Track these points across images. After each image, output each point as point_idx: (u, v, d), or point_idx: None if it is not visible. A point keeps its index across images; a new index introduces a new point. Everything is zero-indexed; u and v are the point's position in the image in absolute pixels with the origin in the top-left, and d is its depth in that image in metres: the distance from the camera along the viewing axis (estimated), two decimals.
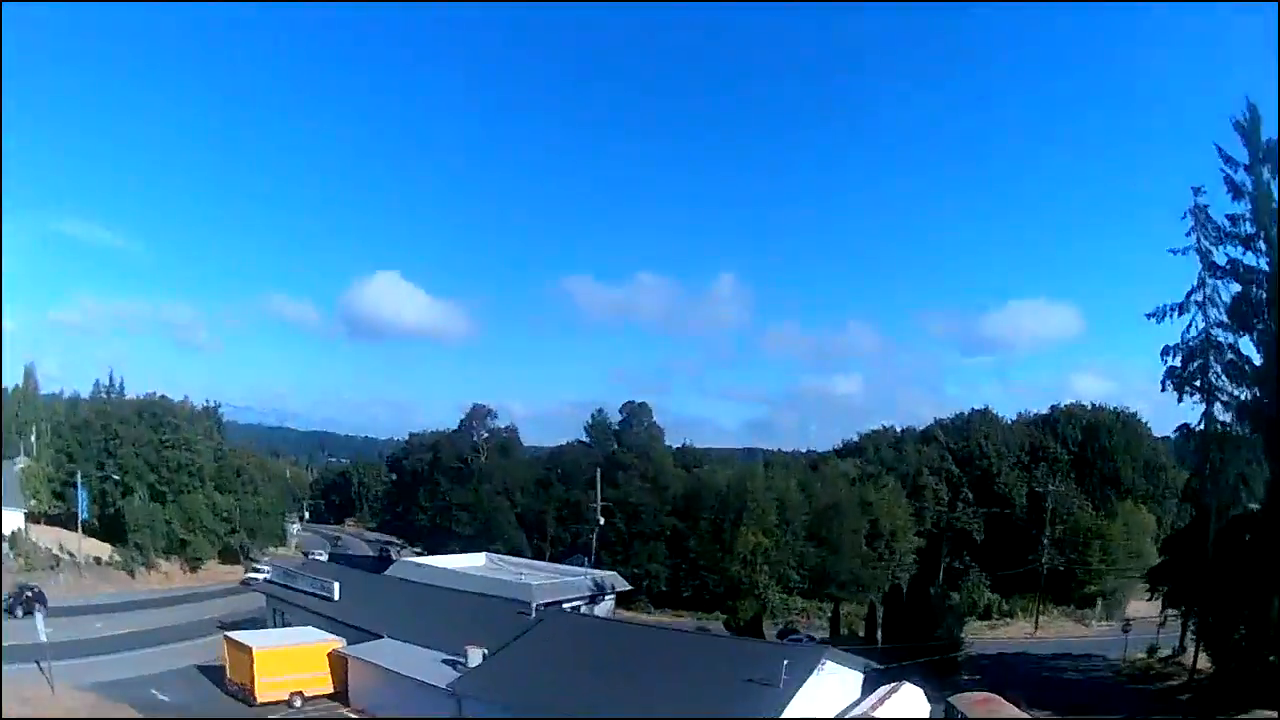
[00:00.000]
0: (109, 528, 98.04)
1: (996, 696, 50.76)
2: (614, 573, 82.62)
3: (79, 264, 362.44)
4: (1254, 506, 57.07)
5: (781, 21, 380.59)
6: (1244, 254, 57.69)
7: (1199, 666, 60.52)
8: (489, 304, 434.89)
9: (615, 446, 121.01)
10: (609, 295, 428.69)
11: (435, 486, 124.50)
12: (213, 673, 55.40)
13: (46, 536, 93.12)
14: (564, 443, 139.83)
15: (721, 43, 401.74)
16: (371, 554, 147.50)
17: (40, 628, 49.21)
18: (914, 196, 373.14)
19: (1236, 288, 58.51)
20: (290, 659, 52.90)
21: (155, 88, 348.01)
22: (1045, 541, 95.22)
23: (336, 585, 64.17)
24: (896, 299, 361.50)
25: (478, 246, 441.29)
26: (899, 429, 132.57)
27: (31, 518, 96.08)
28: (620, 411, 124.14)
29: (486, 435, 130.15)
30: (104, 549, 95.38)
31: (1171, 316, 61.06)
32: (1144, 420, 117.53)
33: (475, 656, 47.88)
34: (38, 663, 49.09)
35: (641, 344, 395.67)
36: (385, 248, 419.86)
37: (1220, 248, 58.92)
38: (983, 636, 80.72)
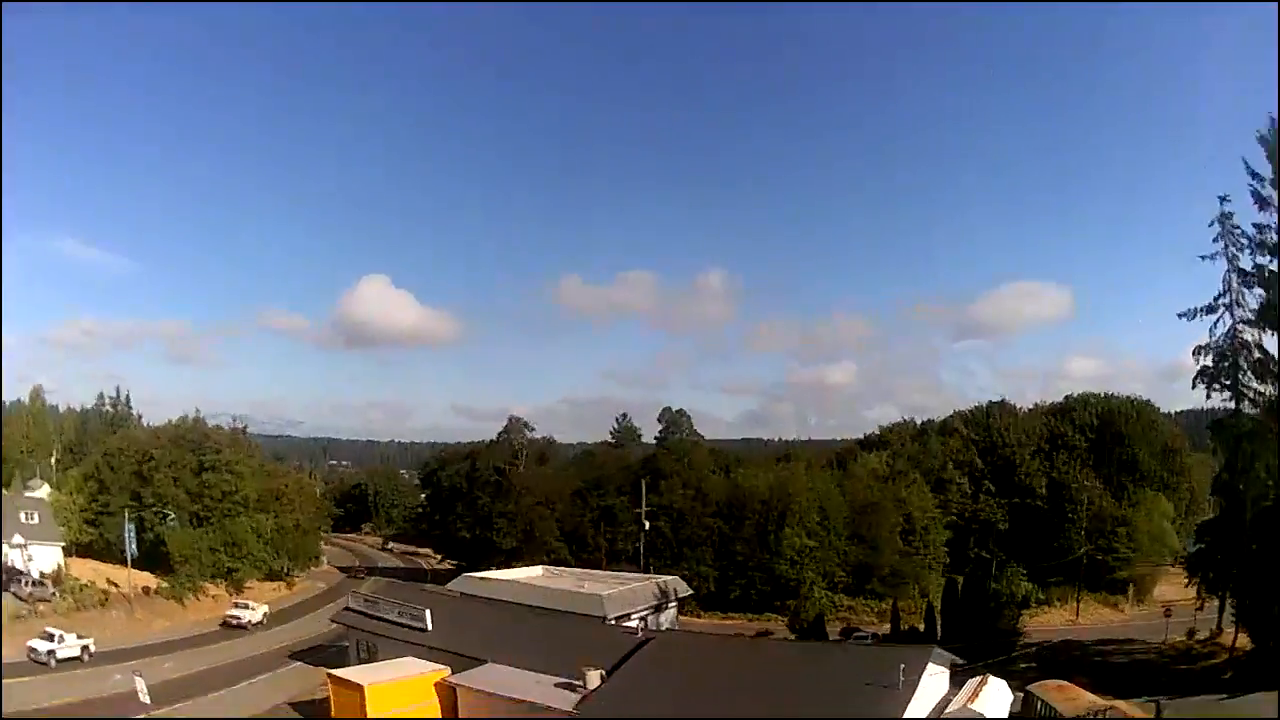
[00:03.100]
0: (149, 555, 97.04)
1: (1069, 684, 54.79)
2: (675, 578, 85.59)
3: (72, 282, 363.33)
4: None
5: (761, 16, 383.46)
6: (1270, 261, 61.75)
7: (1238, 645, 64.60)
8: (479, 307, 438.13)
9: (655, 452, 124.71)
10: (598, 294, 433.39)
11: (474, 498, 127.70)
12: (307, 708, 56.04)
13: (83, 569, 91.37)
14: (590, 443, 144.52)
15: (701, 41, 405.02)
16: (402, 565, 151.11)
17: (141, 690, 48.63)
18: (899, 188, 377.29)
19: (1261, 292, 62.60)
20: (399, 692, 52.02)
21: (141, 104, 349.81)
22: (1081, 530, 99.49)
23: (428, 613, 61.71)
24: (885, 287, 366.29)
25: (463, 251, 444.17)
26: (919, 421, 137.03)
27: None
28: (659, 419, 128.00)
29: (524, 444, 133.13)
30: (148, 578, 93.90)
31: (1200, 317, 65.20)
32: (1155, 405, 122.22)
33: (593, 679, 47.40)
34: None
35: (634, 341, 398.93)
36: (373, 255, 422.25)
37: (1246, 255, 62.60)
38: (1025, 625, 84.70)
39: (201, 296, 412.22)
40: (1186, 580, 77.05)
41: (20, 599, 76.30)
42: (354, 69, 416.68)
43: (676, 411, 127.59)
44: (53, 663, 62.44)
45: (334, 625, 78.54)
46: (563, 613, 66.15)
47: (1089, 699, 51.17)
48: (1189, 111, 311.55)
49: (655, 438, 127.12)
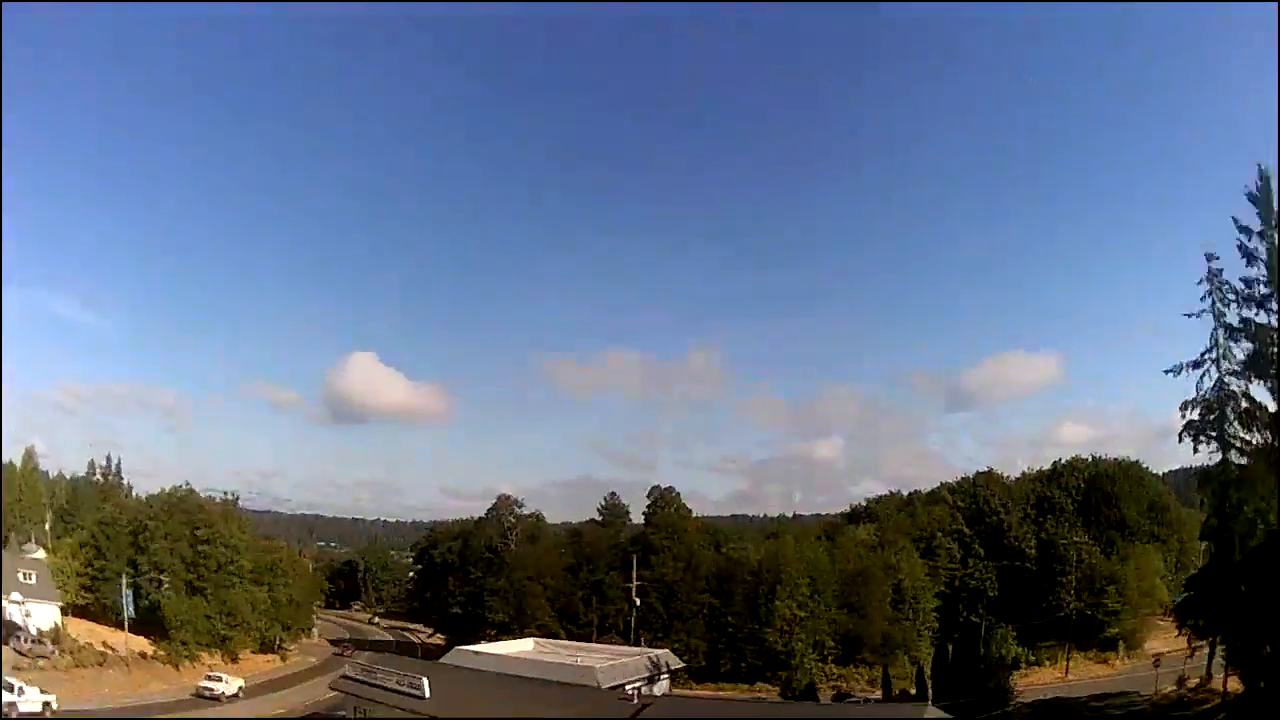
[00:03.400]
0: (145, 620, 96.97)
1: None
2: (666, 651, 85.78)
3: (65, 342, 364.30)
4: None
5: (744, 81, 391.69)
6: (1257, 314, 63.24)
7: (1229, 689, 64.76)
8: (467, 385, 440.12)
9: (644, 529, 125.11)
10: (585, 373, 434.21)
11: (465, 574, 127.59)
12: None
13: (79, 629, 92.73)
14: (577, 522, 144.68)
15: (687, 112, 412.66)
16: (391, 639, 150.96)
17: None
18: (883, 260, 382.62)
19: (1249, 345, 64.16)
20: None
21: (142, 168, 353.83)
22: (1070, 589, 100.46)
23: (425, 681, 62.19)
24: (874, 359, 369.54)
25: (450, 329, 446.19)
26: (905, 493, 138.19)
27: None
28: (648, 496, 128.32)
29: (514, 522, 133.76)
30: (144, 643, 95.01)
31: (1188, 372, 66.21)
32: (1144, 465, 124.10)
33: None
34: None
35: (621, 421, 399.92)
36: (361, 331, 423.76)
37: (1234, 308, 64.15)
38: (1016, 684, 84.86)
39: (193, 364, 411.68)
40: (1177, 630, 77.55)
41: (20, 654, 77.70)
42: (345, 137, 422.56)
43: (666, 489, 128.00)
44: (14, 714, 62.19)
45: (329, 694, 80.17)
46: (558, 683, 65.58)
47: None
48: (1177, 171, 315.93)
49: (643, 513, 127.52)
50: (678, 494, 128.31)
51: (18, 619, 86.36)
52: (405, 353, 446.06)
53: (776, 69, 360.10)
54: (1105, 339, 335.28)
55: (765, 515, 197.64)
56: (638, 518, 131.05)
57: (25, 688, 64.59)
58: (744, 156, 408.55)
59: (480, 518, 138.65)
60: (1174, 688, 73.70)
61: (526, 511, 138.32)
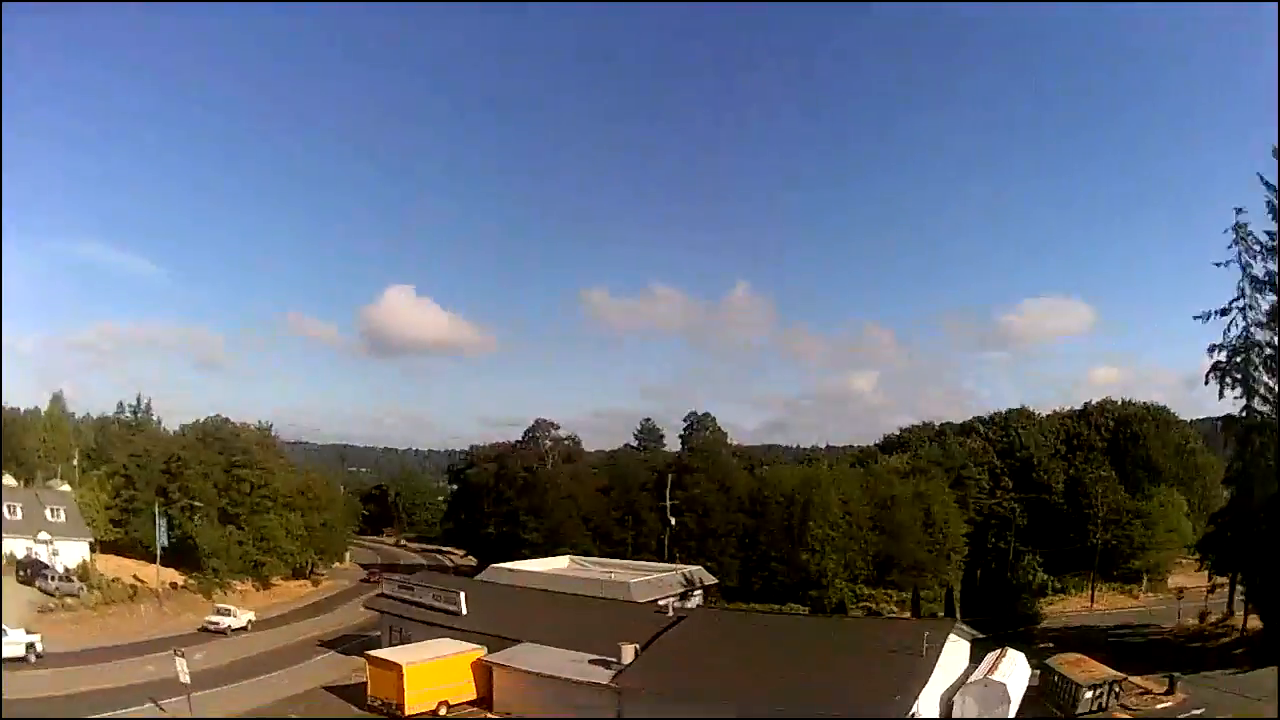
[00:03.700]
0: (176, 551, 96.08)
1: (1086, 658, 57.51)
2: (700, 568, 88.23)
3: (95, 287, 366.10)
4: None
5: (789, 24, 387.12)
6: None
7: (1249, 627, 67.18)
8: (505, 318, 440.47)
9: (682, 450, 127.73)
10: (625, 307, 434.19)
11: (501, 495, 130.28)
12: (343, 692, 57.44)
13: (108, 566, 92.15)
14: (614, 448, 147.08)
15: (729, 53, 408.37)
16: (423, 563, 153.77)
17: (182, 671, 49.42)
18: (923, 199, 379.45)
19: (1273, 298, 65.34)
20: (436, 671, 53.49)
21: (171, 107, 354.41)
22: (1097, 521, 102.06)
23: (463, 596, 64.15)
24: (911, 299, 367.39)
25: (491, 262, 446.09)
26: (937, 425, 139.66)
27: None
28: (685, 420, 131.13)
29: (550, 444, 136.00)
30: (174, 575, 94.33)
31: (1215, 318, 67.79)
32: (1173, 411, 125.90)
33: (628, 654, 50.28)
34: (153, 700, 51.81)
35: (659, 355, 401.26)
36: (400, 264, 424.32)
37: (1260, 261, 65.22)
38: (1042, 612, 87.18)
39: (227, 302, 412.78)
40: (1198, 566, 79.43)
41: (47, 593, 77.50)
42: (384, 77, 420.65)
43: (703, 414, 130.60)
44: None
45: (362, 616, 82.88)
46: (594, 598, 67.99)
47: (1104, 671, 53.86)
48: (1212, 124, 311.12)
49: (679, 436, 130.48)
50: (713, 418, 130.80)
51: (45, 558, 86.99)
52: (443, 286, 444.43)
53: None
54: (1138, 288, 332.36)
55: (798, 446, 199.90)
56: (672, 447, 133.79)
57: (9, 630, 59.54)
58: (787, 92, 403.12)
59: (518, 441, 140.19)
60: (1195, 622, 75.69)
61: (564, 434, 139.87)
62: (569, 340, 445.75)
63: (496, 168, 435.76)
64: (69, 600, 77.96)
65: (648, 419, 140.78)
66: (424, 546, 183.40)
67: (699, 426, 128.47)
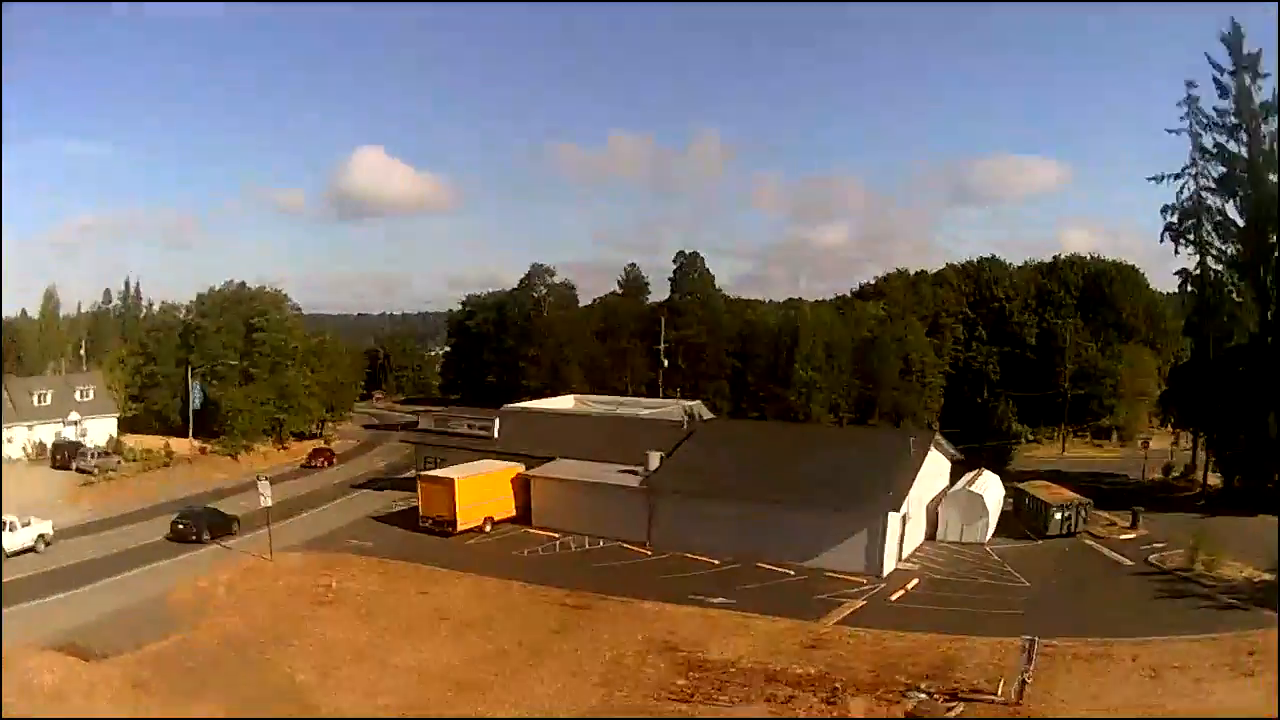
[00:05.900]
0: (196, 421, 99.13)
1: (1054, 484, 63.93)
2: (698, 402, 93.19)
3: (61, 179, 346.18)
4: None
5: None
6: (1228, 141, 68.47)
7: (1209, 483, 72.45)
8: (471, 172, 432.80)
9: (671, 293, 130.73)
10: (590, 158, 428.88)
11: (500, 343, 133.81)
12: (390, 519, 62.27)
13: (132, 442, 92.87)
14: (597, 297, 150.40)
15: None
16: (413, 419, 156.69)
17: (265, 494, 52.56)
18: (901, 44, 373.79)
19: (1221, 168, 69.60)
20: (483, 486, 58.20)
21: None
22: (1067, 377, 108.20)
23: (496, 422, 69.40)
24: (882, 148, 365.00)
25: (455, 116, 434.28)
26: (912, 273, 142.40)
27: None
28: (674, 260, 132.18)
29: (545, 291, 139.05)
30: (195, 443, 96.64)
31: (1168, 181, 71.89)
32: (1143, 272, 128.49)
33: (654, 460, 56.21)
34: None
35: (627, 204, 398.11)
36: (367, 125, 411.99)
37: (1209, 133, 69.33)
38: (1016, 457, 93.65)
39: (197, 176, 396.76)
40: (1158, 419, 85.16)
41: (86, 471, 79.07)
42: None
43: (691, 254, 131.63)
44: None
45: (382, 464, 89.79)
46: (610, 417, 74.29)
47: (1073, 495, 59.90)
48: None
49: (669, 279, 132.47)
50: (702, 259, 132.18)
51: (74, 437, 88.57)
52: (410, 143, 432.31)
53: None
54: (1107, 150, 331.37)
55: (772, 300, 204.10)
56: (657, 295, 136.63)
57: (18, 523, 53.36)
58: None
59: (514, 288, 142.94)
60: (1160, 476, 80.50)
61: (558, 280, 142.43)
62: (536, 193, 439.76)
63: (458, 19, 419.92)
64: (110, 473, 79.75)
65: (632, 264, 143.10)
66: (414, 408, 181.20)
67: (689, 267, 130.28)
